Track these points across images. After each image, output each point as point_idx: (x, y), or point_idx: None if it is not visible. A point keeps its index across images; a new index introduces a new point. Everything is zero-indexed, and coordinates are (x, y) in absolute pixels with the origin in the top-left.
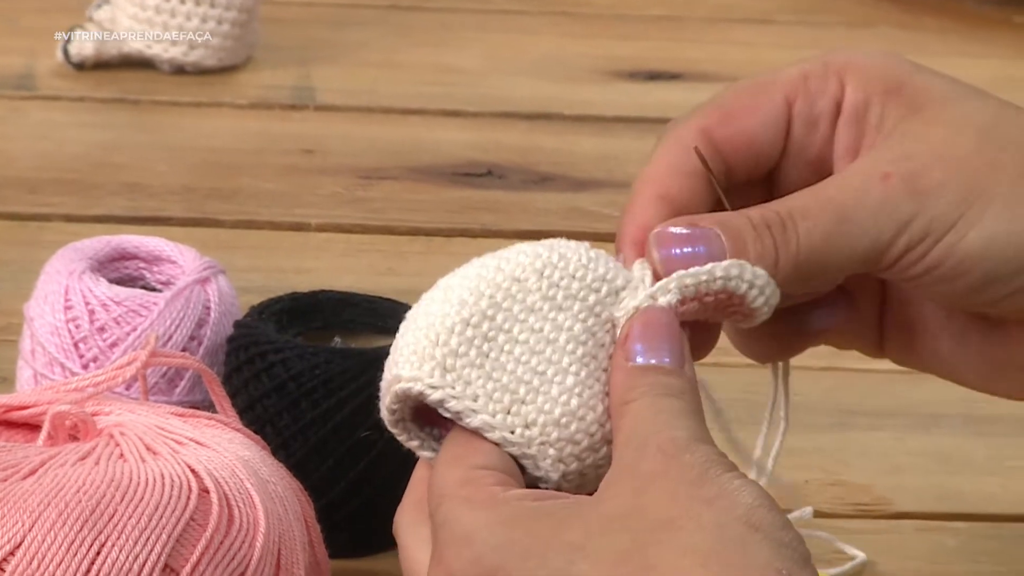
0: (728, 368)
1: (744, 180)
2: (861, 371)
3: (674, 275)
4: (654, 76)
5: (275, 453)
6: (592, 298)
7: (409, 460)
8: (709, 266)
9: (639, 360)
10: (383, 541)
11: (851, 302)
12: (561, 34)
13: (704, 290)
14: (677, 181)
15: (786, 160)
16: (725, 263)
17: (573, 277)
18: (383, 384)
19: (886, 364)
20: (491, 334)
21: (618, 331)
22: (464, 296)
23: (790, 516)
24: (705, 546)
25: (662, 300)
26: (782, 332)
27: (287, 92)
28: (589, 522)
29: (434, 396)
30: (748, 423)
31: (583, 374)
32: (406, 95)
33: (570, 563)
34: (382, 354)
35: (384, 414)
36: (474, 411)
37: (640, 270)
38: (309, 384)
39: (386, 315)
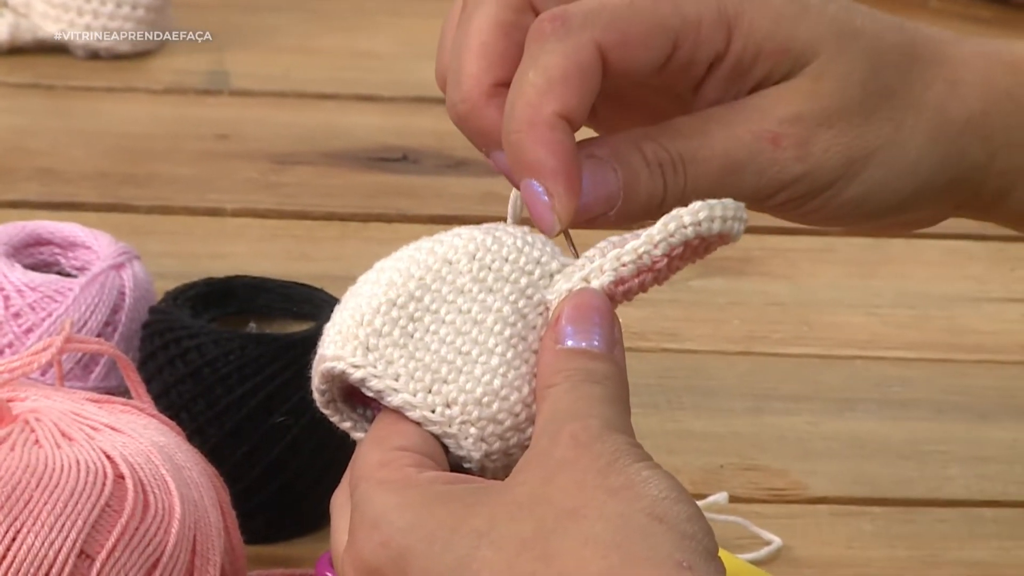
0: (644, 353)
1: (613, 89)
2: (776, 356)
3: (609, 255)
4: None
5: (190, 439)
6: (524, 280)
7: (324, 446)
8: (645, 235)
9: (568, 343)
10: (298, 526)
11: None
12: None
13: (653, 259)
14: (575, 98)
15: (645, 83)
16: (682, 218)
17: (505, 260)
18: (313, 365)
19: (801, 348)
20: (417, 315)
21: (551, 313)
22: (394, 277)
23: (705, 501)
24: (607, 536)
25: (595, 283)
26: None
27: (201, 77)
28: (495, 508)
29: (356, 375)
30: (664, 407)
31: (509, 355)
32: (320, 80)
33: (474, 548)
34: (297, 339)
35: (315, 395)
36: (395, 390)
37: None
38: (224, 370)
39: (301, 300)
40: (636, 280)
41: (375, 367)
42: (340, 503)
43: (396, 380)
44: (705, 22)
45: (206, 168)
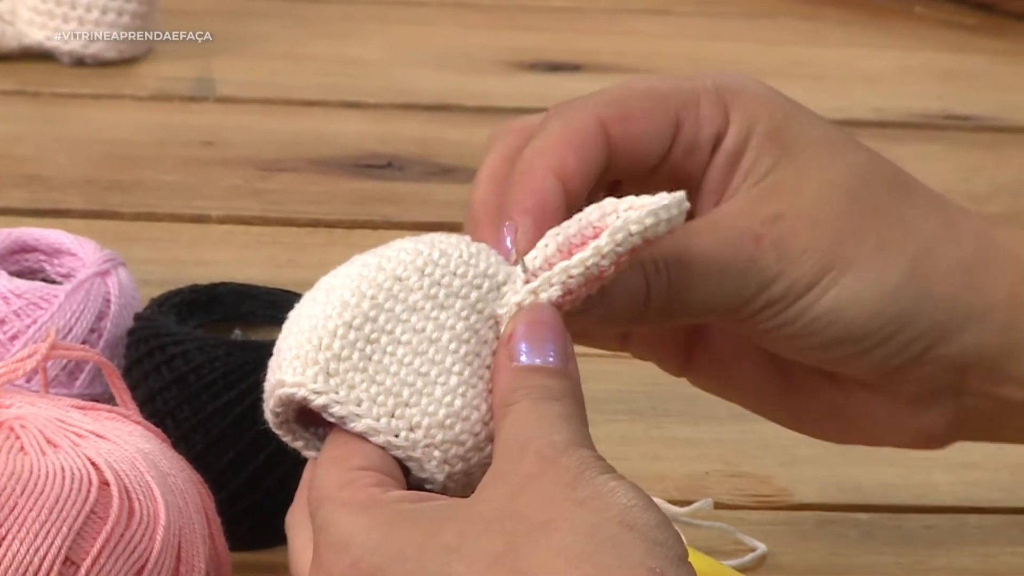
0: (629, 360)
1: (617, 177)
2: None
3: (557, 267)
4: (555, 67)
5: (175, 446)
6: (474, 295)
7: None
8: (592, 247)
9: (523, 360)
10: (283, 534)
11: None
12: (462, 25)
13: (601, 269)
14: (572, 161)
15: (660, 171)
16: (629, 228)
17: (455, 274)
18: (267, 386)
19: None
20: (373, 336)
21: (501, 327)
22: (346, 297)
23: (690, 507)
24: (578, 547)
25: (543, 296)
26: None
27: (187, 84)
28: (464, 524)
29: (318, 402)
30: (649, 414)
31: (466, 373)
32: (307, 87)
33: (445, 565)
34: None
35: (268, 416)
36: (358, 415)
37: (523, 263)
38: (209, 376)
39: (286, 307)
40: (584, 289)
41: (336, 393)
42: (296, 522)
43: (359, 406)
44: (704, 100)
45: (192, 175)
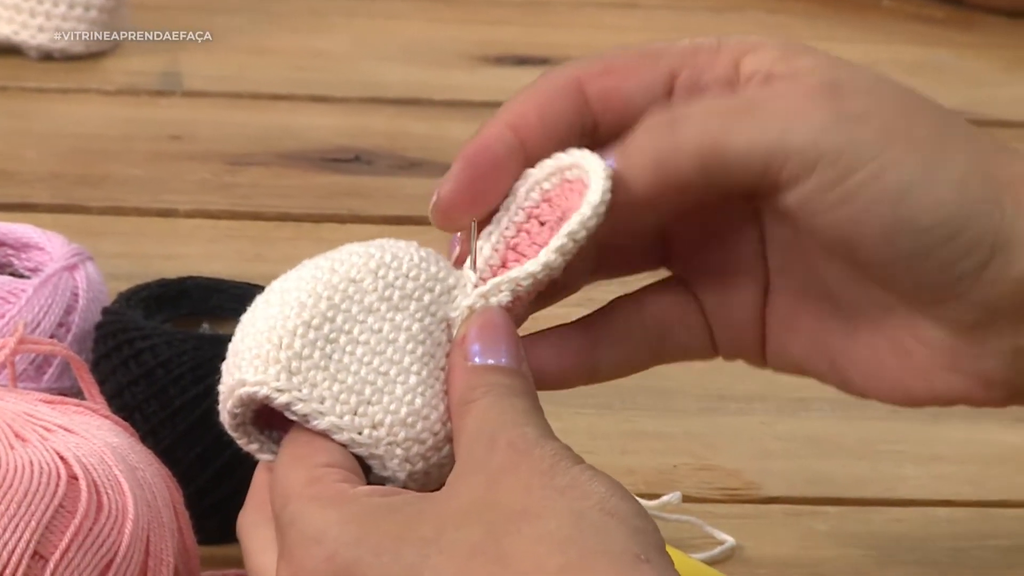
0: None
1: (608, 139)
2: None
3: (506, 276)
4: (522, 61)
5: (144, 440)
6: (427, 297)
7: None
8: (542, 259)
9: (477, 360)
10: None
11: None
12: (429, 19)
13: (551, 275)
14: (532, 115)
15: None
16: (576, 233)
17: (407, 277)
18: (223, 388)
19: None
20: (332, 335)
21: (453, 331)
22: (302, 298)
23: (659, 501)
24: (561, 533)
25: (494, 300)
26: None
27: (154, 78)
28: (441, 516)
29: (280, 399)
30: (618, 407)
31: (424, 373)
32: (274, 80)
33: (424, 557)
34: None
35: (225, 418)
36: (321, 413)
37: (467, 271)
38: (177, 371)
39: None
40: (532, 294)
41: (300, 391)
42: (251, 523)
43: (322, 403)
44: (703, 52)
45: (159, 169)
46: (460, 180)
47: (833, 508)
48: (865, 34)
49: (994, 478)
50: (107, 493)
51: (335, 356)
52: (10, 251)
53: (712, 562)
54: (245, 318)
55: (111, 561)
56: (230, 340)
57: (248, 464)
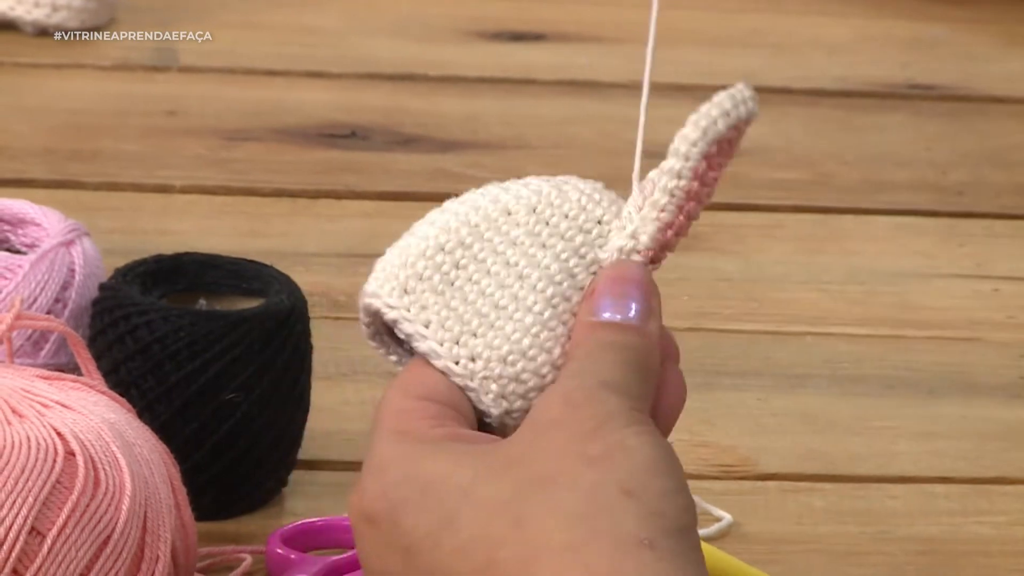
0: (681, 332)
1: None
2: (725, 332)
3: (646, 205)
4: (518, 37)
5: (140, 416)
6: (580, 239)
7: (274, 422)
8: (671, 152)
9: (604, 315)
10: (249, 503)
11: None
12: None
13: (693, 180)
14: None
15: None
16: (690, 137)
17: (565, 216)
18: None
19: (750, 325)
20: (463, 262)
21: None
22: (450, 221)
23: None
24: (575, 508)
25: (643, 237)
26: None
27: (149, 54)
28: (480, 465)
29: (389, 315)
30: (698, 388)
31: (547, 314)
32: (268, 56)
33: (456, 508)
34: (246, 316)
35: (361, 326)
36: (423, 336)
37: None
38: (173, 346)
39: (250, 277)
40: (682, 216)
41: (408, 310)
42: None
43: (427, 327)
44: None
45: (155, 145)
46: None
47: (829, 484)
48: (859, 8)
49: (989, 455)
50: (104, 469)
51: (457, 283)
52: (6, 227)
53: (709, 539)
54: (409, 230)
55: (108, 537)
56: (226, 315)
57: (244, 440)
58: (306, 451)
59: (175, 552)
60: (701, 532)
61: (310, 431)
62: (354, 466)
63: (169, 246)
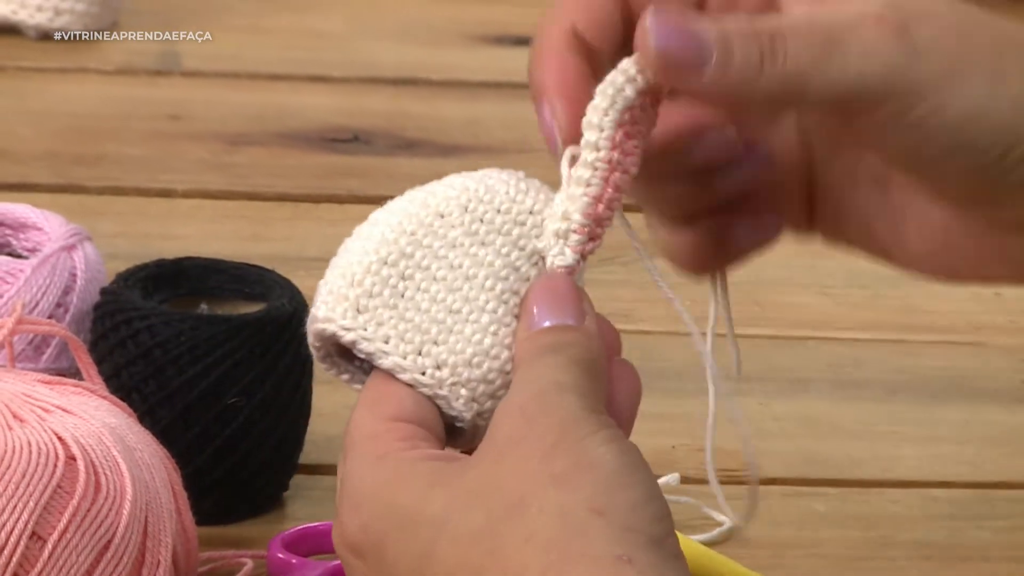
0: (684, 337)
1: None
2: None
3: (572, 180)
4: (520, 41)
5: (141, 420)
6: (516, 231)
7: (275, 427)
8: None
9: (543, 325)
10: (250, 508)
11: (771, 168)
12: None
13: (610, 147)
14: (583, 20)
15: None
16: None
17: (498, 211)
18: (307, 322)
19: (752, 328)
20: (408, 272)
21: (546, 261)
22: (386, 233)
23: (657, 482)
24: (547, 533)
25: (575, 214)
26: (709, 233)
27: (153, 58)
28: (453, 494)
29: (347, 338)
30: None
31: (500, 311)
32: (272, 60)
33: (434, 541)
34: (248, 320)
35: (312, 350)
36: (385, 352)
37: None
38: (175, 351)
39: (252, 281)
40: (609, 188)
41: (365, 330)
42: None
43: (386, 343)
44: None
45: (157, 149)
46: (567, 117)
47: (831, 489)
48: None
49: (992, 459)
50: (105, 474)
51: (407, 294)
52: (8, 231)
53: (711, 543)
54: (341, 246)
55: (109, 542)
56: (228, 320)
57: (245, 445)
58: (307, 456)
59: (176, 557)
60: (703, 536)
61: (311, 435)
62: None
63: (171, 250)
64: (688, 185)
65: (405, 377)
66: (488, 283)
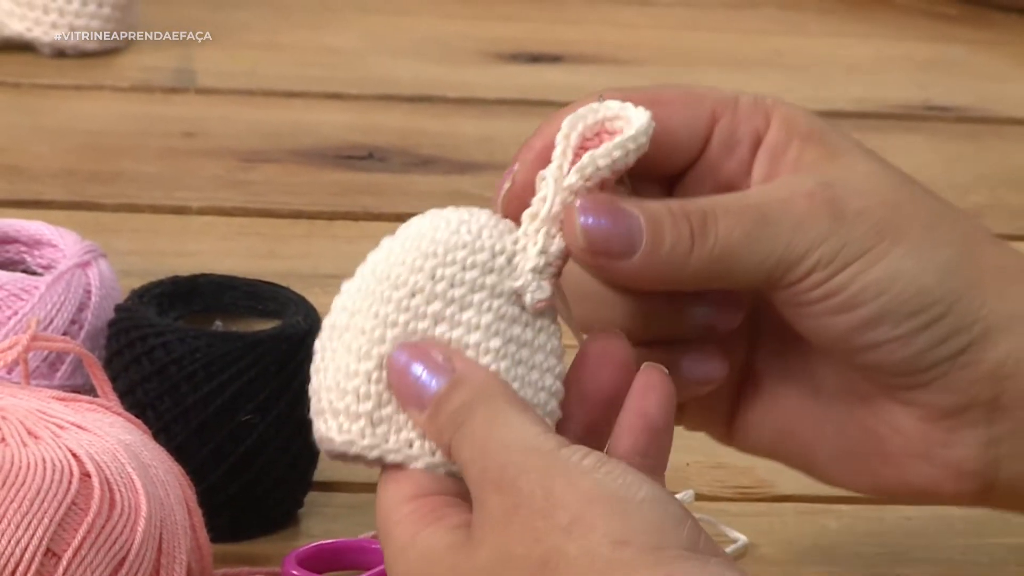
0: None
1: (645, 174)
2: None
3: (540, 223)
4: (535, 58)
5: (156, 437)
6: (490, 280)
7: (290, 444)
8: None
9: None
10: (265, 525)
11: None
12: (442, 15)
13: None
14: None
15: (693, 173)
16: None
17: (465, 268)
18: (315, 428)
19: None
20: None
21: (525, 298)
22: (374, 330)
23: None
24: (586, 573)
25: (554, 248)
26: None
27: (168, 75)
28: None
29: (373, 455)
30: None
31: (502, 366)
32: (287, 77)
33: None
34: (263, 337)
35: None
36: (414, 457)
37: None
38: (190, 368)
39: (267, 298)
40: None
41: (387, 442)
42: None
43: (411, 448)
44: (742, 101)
45: (172, 166)
46: (528, 169)
47: (846, 506)
48: (878, 30)
49: None
50: (120, 490)
51: None
52: (23, 248)
53: None
54: (318, 344)
55: (124, 559)
56: (242, 337)
57: (260, 461)
58: (322, 472)
59: (190, 573)
60: None
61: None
62: (370, 488)
63: (186, 267)
64: (665, 306)
65: (439, 472)
66: (483, 346)
